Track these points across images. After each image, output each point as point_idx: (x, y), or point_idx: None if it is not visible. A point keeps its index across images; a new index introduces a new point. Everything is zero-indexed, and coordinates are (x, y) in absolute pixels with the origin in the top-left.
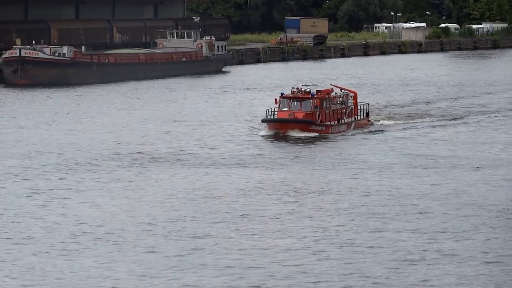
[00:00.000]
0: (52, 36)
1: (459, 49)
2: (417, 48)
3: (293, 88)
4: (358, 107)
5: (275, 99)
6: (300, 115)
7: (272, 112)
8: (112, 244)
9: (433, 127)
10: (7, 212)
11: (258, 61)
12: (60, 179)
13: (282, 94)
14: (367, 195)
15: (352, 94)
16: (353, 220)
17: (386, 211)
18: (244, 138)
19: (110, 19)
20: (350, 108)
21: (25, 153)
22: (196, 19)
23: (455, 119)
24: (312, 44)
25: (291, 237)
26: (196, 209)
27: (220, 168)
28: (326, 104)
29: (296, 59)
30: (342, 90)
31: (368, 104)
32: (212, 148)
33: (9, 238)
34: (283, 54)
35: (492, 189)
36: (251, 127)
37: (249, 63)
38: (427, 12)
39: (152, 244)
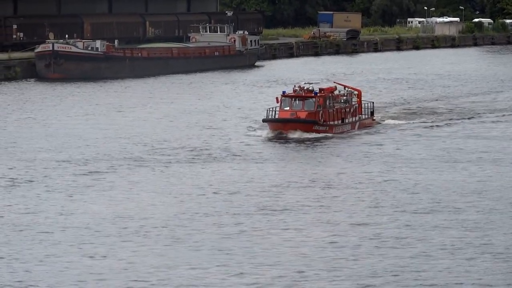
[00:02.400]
0: (85, 30)
1: (493, 44)
2: (451, 42)
3: (295, 86)
4: (363, 105)
5: (276, 98)
6: (302, 115)
7: (274, 112)
8: (140, 237)
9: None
10: (40, 205)
11: (291, 55)
12: (93, 173)
13: (283, 92)
14: (388, 189)
15: (356, 92)
16: (380, 215)
17: (416, 206)
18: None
19: (143, 13)
20: (354, 107)
21: (56, 147)
22: (229, 13)
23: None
24: (345, 39)
25: (319, 230)
26: (226, 203)
27: (241, 163)
28: (329, 103)
29: (329, 54)
30: (346, 88)
31: (373, 102)
32: (233, 143)
33: (45, 232)
34: (316, 48)
35: None
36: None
37: (282, 57)
38: (460, 7)
39: (182, 236)
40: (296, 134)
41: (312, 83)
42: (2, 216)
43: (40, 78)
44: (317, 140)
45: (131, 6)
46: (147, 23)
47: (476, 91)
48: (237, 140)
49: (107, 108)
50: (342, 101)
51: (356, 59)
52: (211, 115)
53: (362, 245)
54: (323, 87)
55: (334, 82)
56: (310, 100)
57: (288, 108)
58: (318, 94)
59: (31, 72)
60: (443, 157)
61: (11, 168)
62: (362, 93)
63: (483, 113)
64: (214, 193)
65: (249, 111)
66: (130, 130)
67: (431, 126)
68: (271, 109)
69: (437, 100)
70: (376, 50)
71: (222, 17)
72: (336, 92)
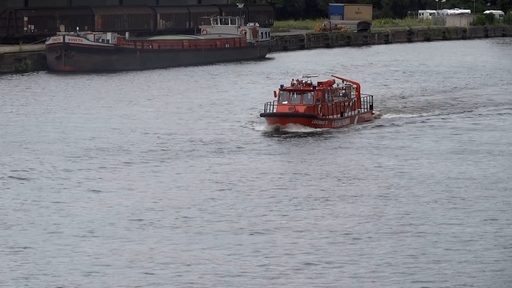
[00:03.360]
0: (96, 23)
1: (504, 35)
2: (462, 34)
3: (293, 80)
4: (362, 99)
5: (274, 92)
6: (301, 109)
7: (272, 106)
8: (153, 230)
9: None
10: (53, 198)
11: (301, 47)
12: (100, 166)
13: (281, 86)
14: (398, 181)
15: (355, 86)
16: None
17: (428, 197)
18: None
19: (154, 5)
20: (353, 100)
21: (67, 139)
22: (240, 5)
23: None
24: (356, 31)
25: (331, 222)
26: (236, 195)
27: (254, 155)
28: (328, 97)
29: (340, 46)
30: (344, 82)
31: (372, 96)
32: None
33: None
34: (327, 40)
35: None
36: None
37: (292, 49)
38: None
39: (197, 228)
40: (295, 129)
41: (310, 76)
42: (15, 210)
43: (51, 70)
44: (316, 134)
45: None
46: (158, 15)
47: (486, 82)
48: (240, 133)
49: (117, 101)
50: (340, 94)
51: (367, 51)
52: (221, 107)
53: (374, 237)
54: (322, 81)
55: (333, 76)
56: (309, 94)
57: (286, 102)
58: (316, 88)
59: (42, 64)
60: (454, 149)
61: (23, 161)
62: (366, 87)
63: (491, 105)
64: (224, 185)
65: (260, 103)
66: (141, 123)
67: (434, 118)
68: (269, 103)
69: (445, 92)
70: (387, 42)
71: (233, 9)
72: (335, 86)
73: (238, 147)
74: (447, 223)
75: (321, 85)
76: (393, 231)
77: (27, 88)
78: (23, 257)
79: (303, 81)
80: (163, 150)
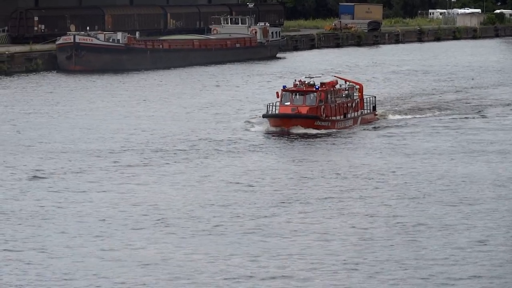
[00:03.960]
0: (106, 22)
1: None
2: (472, 34)
3: (295, 80)
4: (364, 100)
5: (277, 93)
6: (303, 110)
7: (274, 107)
8: (163, 228)
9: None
10: (68, 197)
11: (312, 47)
12: (111, 164)
13: (284, 87)
14: (405, 181)
15: (357, 87)
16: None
17: (437, 197)
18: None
19: (164, 5)
20: (356, 101)
21: (80, 139)
22: (251, 5)
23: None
24: (366, 30)
25: (341, 221)
26: (245, 195)
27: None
28: (331, 98)
29: (350, 45)
30: (347, 82)
31: (375, 97)
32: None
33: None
34: (337, 40)
35: None
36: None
37: (303, 49)
38: None
39: (209, 227)
40: (297, 130)
41: (313, 77)
42: (32, 210)
43: (62, 70)
44: (319, 135)
45: None
46: (168, 15)
47: (496, 81)
48: (242, 133)
49: (127, 100)
50: (343, 95)
51: (377, 51)
52: (230, 107)
53: (384, 236)
54: (324, 81)
55: (335, 76)
56: (312, 94)
57: (288, 103)
58: (319, 89)
59: (53, 64)
60: (462, 149)
61: (37, 160)
62: (374, 86)
63: (500, 105)
64: (234, 185)
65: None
66: (152, 123)
67: (440, 119)
68: (271, 104)
69: (454, 92)
70: (397, 41)
71: (243, 9)
72: (338, 87)
73: (245, 147)
74: (459, 224)
75: (324, 86)
76: (404, 232)
77: (38, 88)
78: (44, 257)
79: (306, 82)
80: (175, 150)
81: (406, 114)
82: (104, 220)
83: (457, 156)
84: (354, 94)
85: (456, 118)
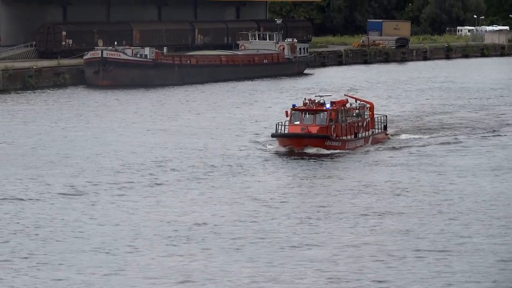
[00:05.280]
0: (134, 37)
1: None
2: (500, 51)
3: (305, 99)
4: (375, 119)
5: (286, 112)
6: (314, 130)
7: (283, 126)
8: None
9: None
10: (93, 212)
11: (340, 63)
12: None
13: (293, 106)
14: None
15: (368, 105)
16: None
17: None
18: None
19: (192, 20)
20: (366, 120)
21: (106, 153)
22: (279, 21)
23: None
24: (394, 47)
25: (367, 237)
26: (265, 211)
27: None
28: (341, 117)
29: (378, 62)
30: (357, 101)
31: (386, 116)
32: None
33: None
34: (365, 56)
35: None
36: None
37: (331, 65)
38: (510, 15)
39: (231, 244)
40: (307, 150)
41: (323, 95)
42: (61, 225)
43: (89, 85)
44: (330, 156)
45: (180, 14)
46: (196, 30)
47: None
48: (254, 152)
49: (155, 116)
50: (354, 114)
51: (405, 67)
52: (255, 123)
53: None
54: (335, 100)
55: (345, 95)
56: (322, 114)
57: (298, 123)
58: (330, 108)
59: (80, 79)
60: (480, 167)
61: (66, 176)
62: (396, 103)
63: None
64: (253, 202)
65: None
66: (180, 138)
67: (458, 138)
68: (280, 123)
69: (477, 112)
70: (425, 58)
71: (271, 25)
72: (348, 105)
73: (253, 166)
74: (489, 241)
75: (334, 105)
76: (423, 249)
77: (66, 103)
78: (76, 272)
79: (316, 101)
80: (202, 166)
81: (421, 133)
82: (126, 235)
83: (475, 173)
84: (365, 113)
85: (472, 137)
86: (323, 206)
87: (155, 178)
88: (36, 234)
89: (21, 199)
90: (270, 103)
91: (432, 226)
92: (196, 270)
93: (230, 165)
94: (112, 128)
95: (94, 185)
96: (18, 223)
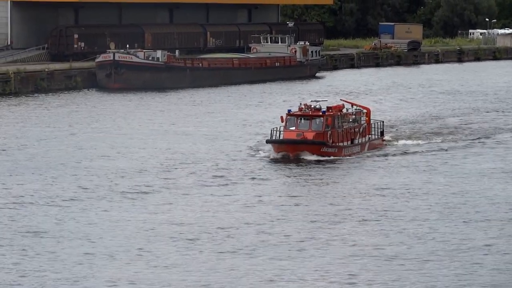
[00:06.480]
0: (146, 40)
1: None
2: None
3: (300, 104)
4: (372, 125)
5: (281, 117)
6: (309, 135)
7: (278, 132)
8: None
9: None
10: (104, 216)
11: (351, 66)
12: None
13: (289, 111)
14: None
15: (365, 111)
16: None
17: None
18: None
19: (204, 23)
20: (363, 126)
21: (118, 156)
22: (290, 24)
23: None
24: (406, 50)
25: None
26: (274, 215)
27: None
28: (338, 123)
29: (390, 65)
30: (354, 106)
31: (383, 122)
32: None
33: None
34: (377, 59)
35: None
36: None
37: (342, 68)
38: None
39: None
40: (303, 156)
41: (319, 101)
42: (75, 229)
43: (101, 87)
44: (326, 162)
45: (192, 17)
46: (208, 33)
47: None
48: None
49: (166, 118)
50: (351, 120)
51: (417, 71)
52: (263, 127)
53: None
54: (331, 106)
55: (341, 100)
56: (318, 119)
57: (294, 128)
58: (326, 113)
59: (92, 81)
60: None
61: (79, 179)
62: (404, 107)
63: None
64: (262, 206)
65: None
66: (192, 141)
67: (456, 143)
68: (275, 129)
69: (487, 113)
70: (437, 61)
71: (283, 28)
72: (345, 111)
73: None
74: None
75: (330, 110)
76: (421, 252)
77: (78, 106)
78: (90, 276)
79: (312, 106)
80: (212, 170)
81: (418, 139)
82: (137, 237)
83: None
84: (362, 119)
85: (471, 143)
86: (332, 209)
87: (168, 182)
88: (49, 237)
89: (33, 203)
90: (282, 106)
91: (431, 230)
92: (206, 272)
93: (231, 169)
94: (124, 131)
95: (103, 188)
96: (29, 225)
